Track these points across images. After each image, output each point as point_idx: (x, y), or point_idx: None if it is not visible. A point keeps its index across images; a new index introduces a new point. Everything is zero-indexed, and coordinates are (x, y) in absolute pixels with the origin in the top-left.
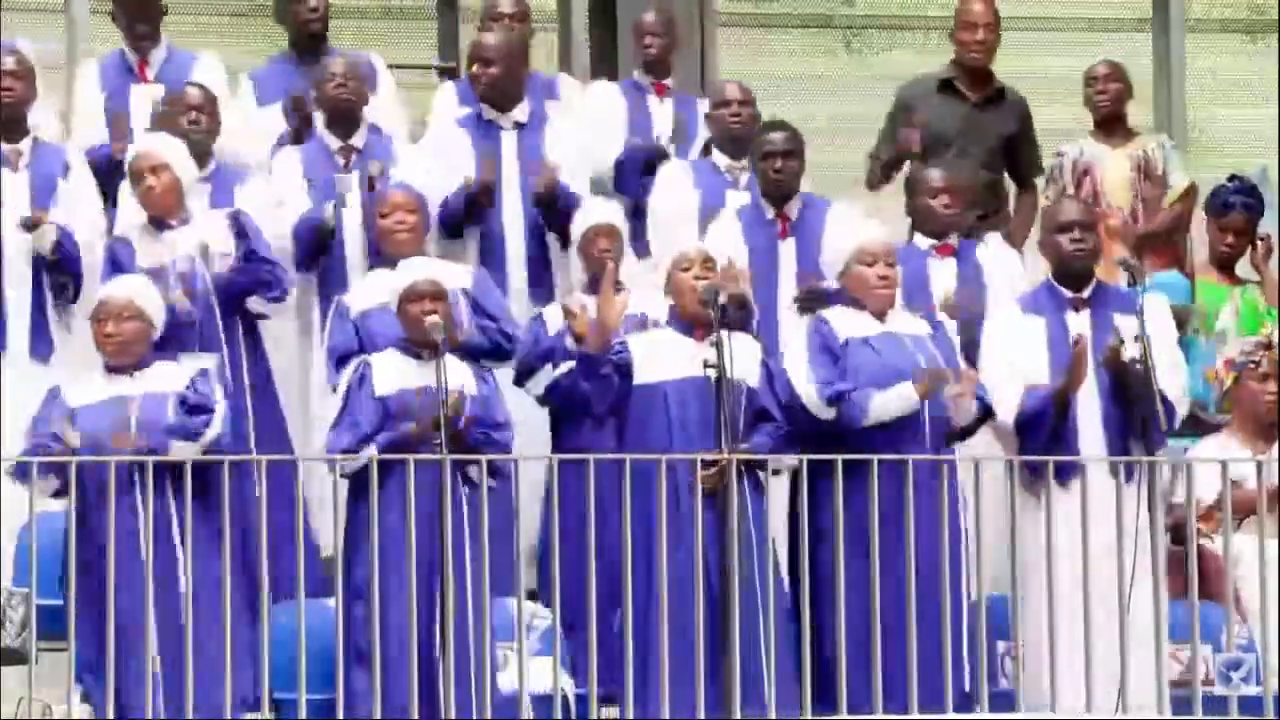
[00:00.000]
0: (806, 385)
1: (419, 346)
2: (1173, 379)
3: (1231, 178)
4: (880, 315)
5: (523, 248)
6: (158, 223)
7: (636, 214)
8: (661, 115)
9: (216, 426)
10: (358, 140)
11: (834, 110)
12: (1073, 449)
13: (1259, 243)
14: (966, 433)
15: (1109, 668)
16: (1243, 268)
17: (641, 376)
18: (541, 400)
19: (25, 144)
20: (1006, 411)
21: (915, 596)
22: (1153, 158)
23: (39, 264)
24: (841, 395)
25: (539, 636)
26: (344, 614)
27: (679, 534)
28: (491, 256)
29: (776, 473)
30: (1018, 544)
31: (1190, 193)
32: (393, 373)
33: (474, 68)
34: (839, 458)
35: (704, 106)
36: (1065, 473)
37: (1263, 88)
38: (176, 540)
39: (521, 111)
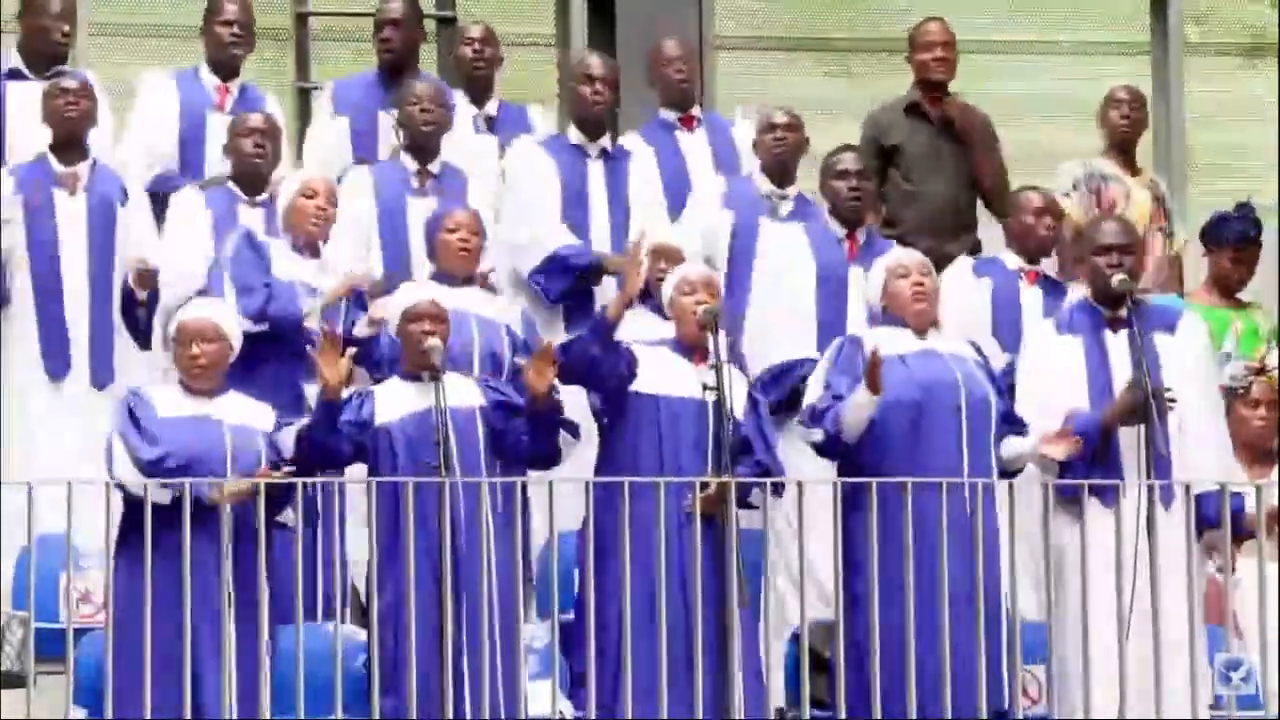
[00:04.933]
0: (801, 413)
1: (416, 369)
2: (1206, 429)
3: (1245, 204)
4: (921, 331)
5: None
6: (298, 246)
7: None
8: (695, 149)
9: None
10: (435, 167)
11: (834, 135)
12: (1117, 472)
13: None
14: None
15: (1143, 688)
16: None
17: (640, 386)
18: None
19: (83, 167)
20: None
21: (948, 615)
22: (1165, 193)
23: (97, 288)
24: (815, 414)
25: (536, 659)
26: (371, 639)
27: (673, 556)
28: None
29: (754, 507)
30: (1056, 565)
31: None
32: (395, 400)
33: (584, 88)
34: (873, 480)
35: (750, 131)
36: (1108, 495)
37: (1261, 112)
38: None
39: (607, 141)
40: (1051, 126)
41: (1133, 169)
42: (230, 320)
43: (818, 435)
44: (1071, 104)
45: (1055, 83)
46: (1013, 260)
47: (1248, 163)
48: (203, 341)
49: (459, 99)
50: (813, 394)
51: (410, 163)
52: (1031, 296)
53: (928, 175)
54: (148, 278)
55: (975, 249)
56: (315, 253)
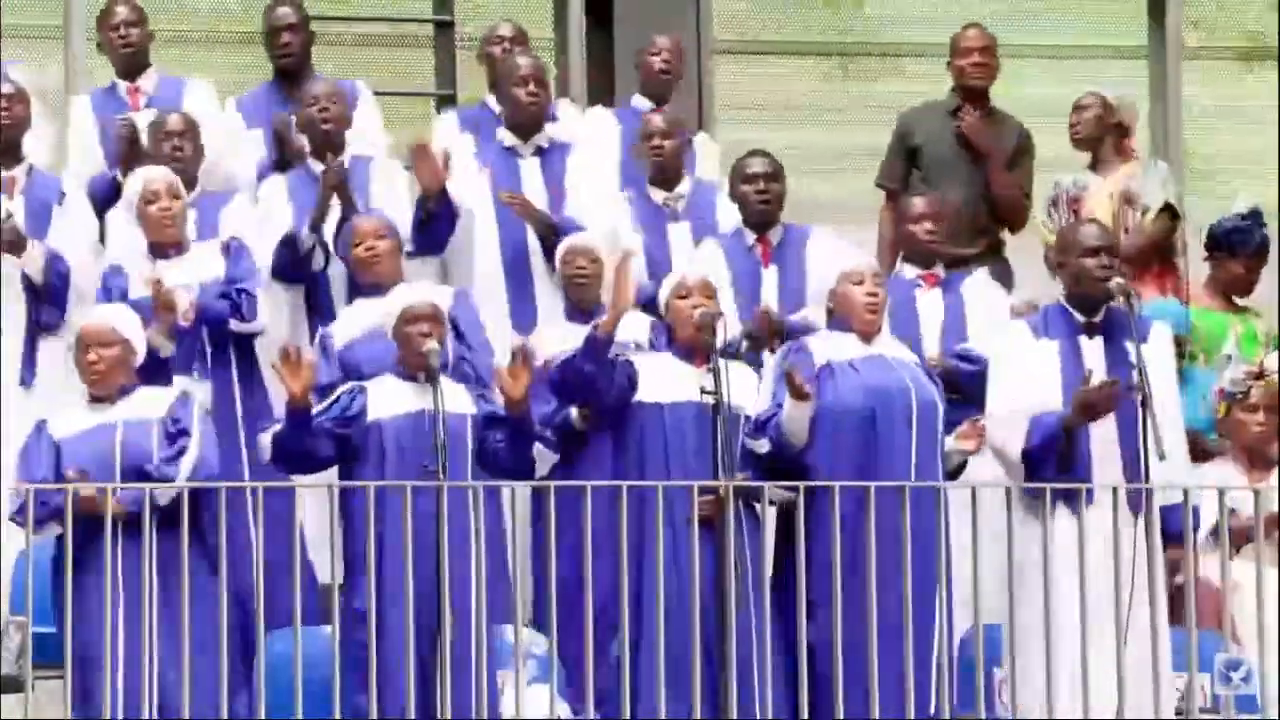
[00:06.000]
0: (746, 425)
1: (414, 370)
2: (1173, 437)
3: (1256, 210)
4: (867, 337)
5: (550, 273)
6: (156, 251)
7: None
8: None
9: (192, 452)
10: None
11: (831, 138)
12: (1086, 478)
13: None
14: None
15: (1109, 695)
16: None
17: (642, 395)
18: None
19: (20, 170)
20: (1013, 445)
21: (906, 620)
22: (1134, 185)
23: (30, 291)
24: (760, 425)
25: (535, 664)
26: (345, 639)
27: (674, 562)
28: (521, 280)
29: (773, 503)
30: (1021, 571)
31: (1168, 212)
32: (389, 398)
33: (516, 90)
34: (836, 484)
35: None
36: (1075, 500)
37: (1259, 115)
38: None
39: (543, 138)
40: (1050, 132)
41: (1116, 165)
42: (129, 323)
43: (764, 445)
44: (1066, 110)
45: (1053, 87)
46: (909, 270)
47: (1246, 167)
48: (100, 346)
49: (367, 96)
50: (760, 405)
51: (317, 165)
52: (933, 300)
53: (944, 179)
54: (26, 256)
55: (995, 254)
56: (181, 250)
